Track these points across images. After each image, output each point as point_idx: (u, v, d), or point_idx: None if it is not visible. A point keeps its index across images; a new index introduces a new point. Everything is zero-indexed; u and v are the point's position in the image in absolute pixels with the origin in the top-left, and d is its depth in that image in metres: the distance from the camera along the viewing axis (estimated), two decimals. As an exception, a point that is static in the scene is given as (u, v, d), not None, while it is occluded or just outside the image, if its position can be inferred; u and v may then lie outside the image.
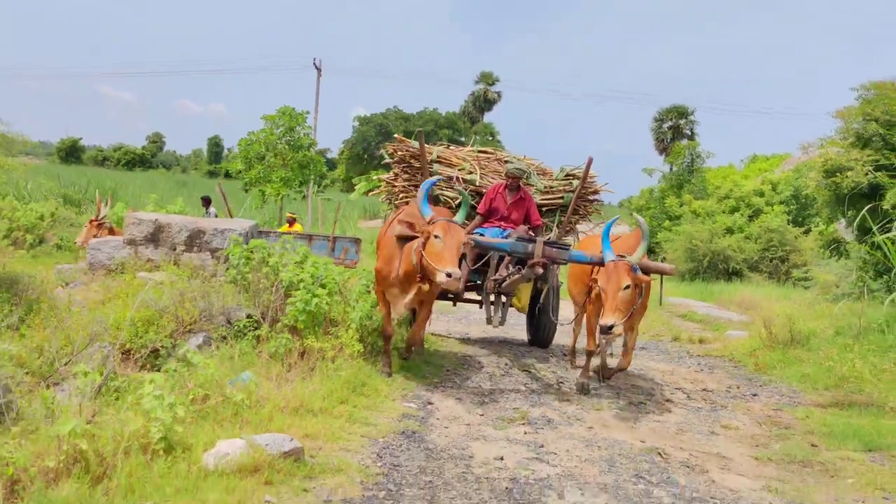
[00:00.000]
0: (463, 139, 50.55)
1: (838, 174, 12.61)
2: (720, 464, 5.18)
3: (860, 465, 5.31)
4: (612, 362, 7.81)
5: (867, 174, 12.13)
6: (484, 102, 74.04)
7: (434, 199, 8.46)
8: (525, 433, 5.48)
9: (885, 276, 12.11)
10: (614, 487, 4.47)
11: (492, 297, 7.95)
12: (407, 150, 8.90)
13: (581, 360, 7.82)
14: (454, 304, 9.75)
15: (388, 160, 9.32)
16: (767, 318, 10.41)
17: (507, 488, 4.27)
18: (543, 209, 8.81)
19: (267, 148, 19.51)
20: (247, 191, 20.89)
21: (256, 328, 6.31)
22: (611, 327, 5.76)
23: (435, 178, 7.40)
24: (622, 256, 6.23)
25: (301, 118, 19.67)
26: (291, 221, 15.86)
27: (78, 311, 5.85)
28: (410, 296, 6.30)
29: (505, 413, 6.01)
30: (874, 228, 11.15)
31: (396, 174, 9.09)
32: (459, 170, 8.80)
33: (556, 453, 5.07)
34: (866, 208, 11.55)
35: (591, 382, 6.99)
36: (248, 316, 6.50)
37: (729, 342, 11.15)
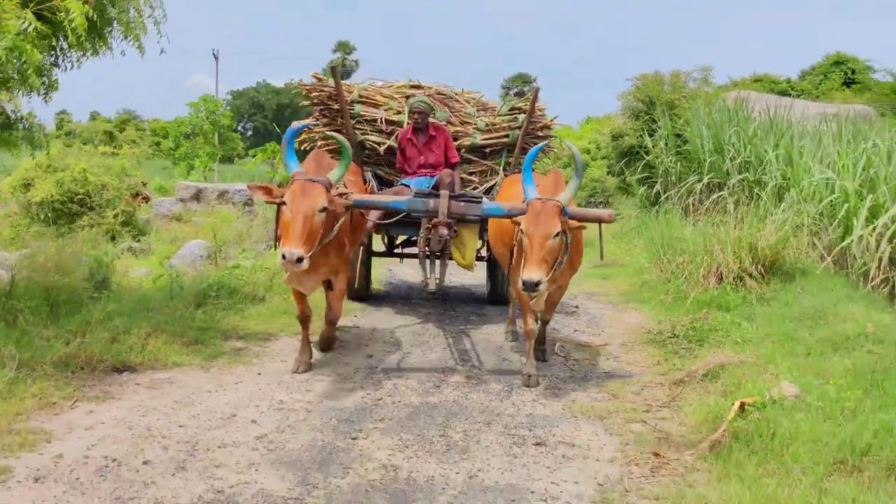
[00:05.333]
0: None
1: (620, 138, 19.04)
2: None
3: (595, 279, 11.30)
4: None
5: (637, 138, 18.55)
6: (342, 71, 78.34)
7: (359, 145, 7.56)
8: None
9: (655, 206, 18.64)
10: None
11: (427, 256, 6.82)
12: (323, 91, 7.71)
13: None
14: (401, 260, 8.99)
15: (305, 102, 8.22)
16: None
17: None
18: (487, 150, 7.90)
19: (192, 129, 24.06)
20: (175, 164, 25.23)
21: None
22: (537, 284, 4.66)
23: (301, 123, 6.08)
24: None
25: (219, 104, 24.39)
26: None
27: (202, 231, 10.88)
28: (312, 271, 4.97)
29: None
30: (636, 175, 17.55)
31: (316, 118, 7.91)
32: (386, 109, 7.78)
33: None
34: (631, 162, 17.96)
35: (539, 374, 5.52)
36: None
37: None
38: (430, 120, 7.40)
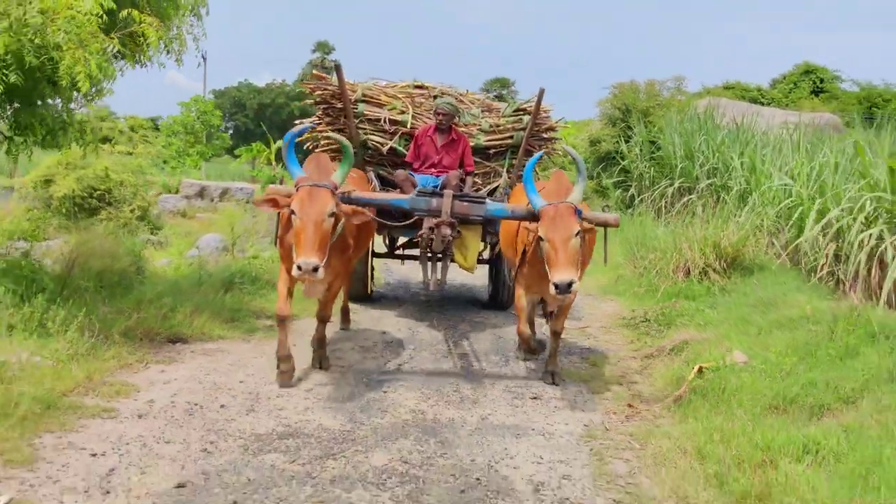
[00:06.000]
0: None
1: (597, 144, 20.06)
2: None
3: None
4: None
5: (613, 144, 19.58)
6: (323, 70, 78.56)
7: (362, 145, 7.44)
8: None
9: (629, 208, 19.70)
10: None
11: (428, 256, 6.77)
12: (326, 89, 7.60)
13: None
14: (402, 262, 8.83)
15: (308, 101, 8.22)
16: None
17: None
18: (491, 151, 7.80)
19: (184, 128, 24.83)
20: (165, 162, 25.93)
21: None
22: (569, 285, 4.64)
23: (303, 125, 6.26)
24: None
25: (211, 104, 25.20)
26: None
27: (213, 226, 11.67)
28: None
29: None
30: (612, 179, 18.58)
31: (319, 117, 7.80)
32: (389, 109, 7.70)
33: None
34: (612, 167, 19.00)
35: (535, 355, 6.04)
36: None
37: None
38: (454, 124, 7.39)
